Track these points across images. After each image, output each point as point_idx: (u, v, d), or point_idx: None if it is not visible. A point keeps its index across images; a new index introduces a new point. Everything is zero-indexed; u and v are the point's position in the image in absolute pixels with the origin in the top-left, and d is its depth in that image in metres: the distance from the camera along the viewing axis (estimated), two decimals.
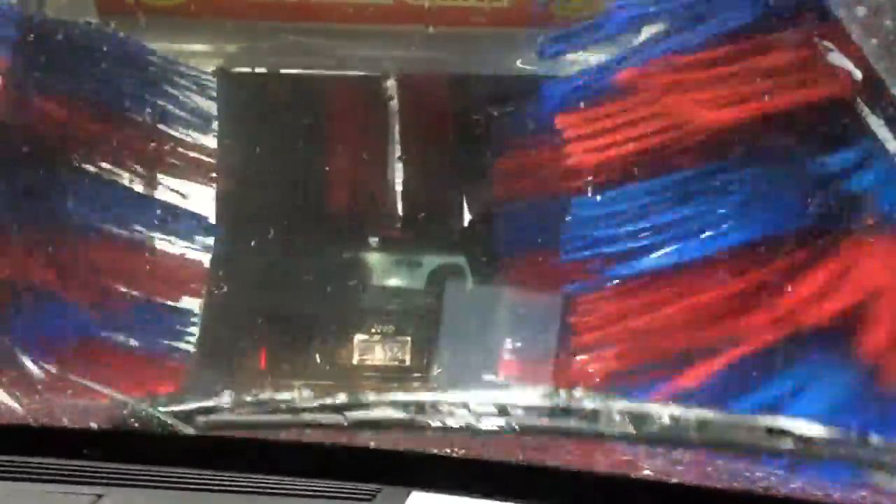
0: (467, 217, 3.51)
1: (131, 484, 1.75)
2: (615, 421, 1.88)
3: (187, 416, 2.11)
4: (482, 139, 3.20)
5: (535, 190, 3.05)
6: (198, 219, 3.24)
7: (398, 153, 3.45)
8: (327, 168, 3.51)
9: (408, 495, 1.70)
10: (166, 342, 3.18)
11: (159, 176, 3.22)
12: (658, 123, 2.67)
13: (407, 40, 3.19)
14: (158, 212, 3.20)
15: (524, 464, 1.88)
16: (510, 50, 3.21)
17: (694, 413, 1.89)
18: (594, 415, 1.90)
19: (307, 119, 3.35)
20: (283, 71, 3.40)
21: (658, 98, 2.68)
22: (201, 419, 2.08)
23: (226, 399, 2.18)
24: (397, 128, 3.43)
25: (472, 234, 3.45)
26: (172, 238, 3.22)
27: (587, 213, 2.74)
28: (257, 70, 3.41)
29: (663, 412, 1.89)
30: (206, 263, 3.24)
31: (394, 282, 3.46)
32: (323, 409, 2.00)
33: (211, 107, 3.23)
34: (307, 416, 2.02)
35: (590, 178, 2.73)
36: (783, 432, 1.85)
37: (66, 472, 1.78)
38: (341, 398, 2.00)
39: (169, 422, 2.09)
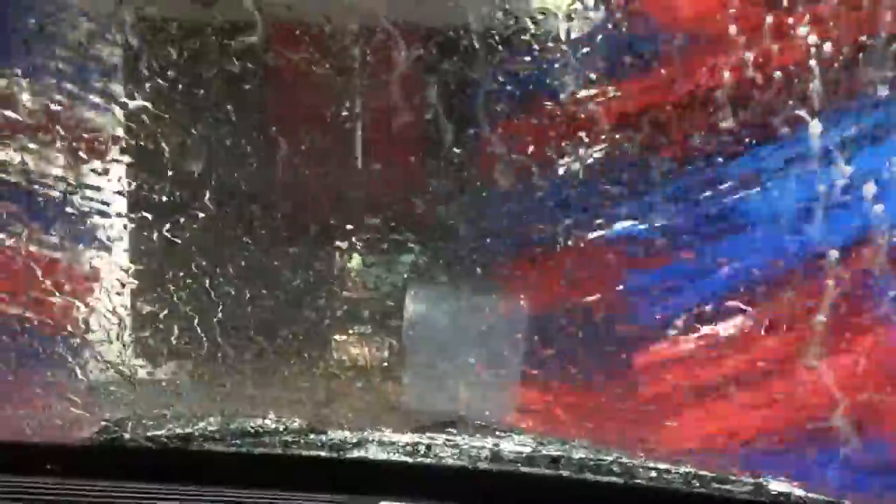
0: (454, 203, 2.93)
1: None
2: (604, 472, 1.94)
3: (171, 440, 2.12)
4: (471, 108, 2.72)
5: (536, 168, 2.69)
6: (104, 209, 2.70)
7: (366, 128, 2.86)
8: (277, 146, 2.83)
9: None
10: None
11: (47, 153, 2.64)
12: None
13: None
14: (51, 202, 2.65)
15: (492, 470, 1.92)
16: None
17: (682, 468, 1.95)
18: (584, 465, 1.95)
19: (250, 83, 2.70)
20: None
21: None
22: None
23: (212, 426, 2.19)
24: (363, 95, 2.79)
25: (458, 225, 2.87)
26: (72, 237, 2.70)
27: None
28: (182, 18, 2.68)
29: (650, 466, 1.95)
30: (116, 264, 2.70)
31: (367, 282, 3.17)
32: (315, 445, 2.02)
33: (116, 64, 2.63)
34: (298, 451, 2.04)
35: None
36: (764, 490, 1.93)
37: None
38: (337, 435, 2.02)
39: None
